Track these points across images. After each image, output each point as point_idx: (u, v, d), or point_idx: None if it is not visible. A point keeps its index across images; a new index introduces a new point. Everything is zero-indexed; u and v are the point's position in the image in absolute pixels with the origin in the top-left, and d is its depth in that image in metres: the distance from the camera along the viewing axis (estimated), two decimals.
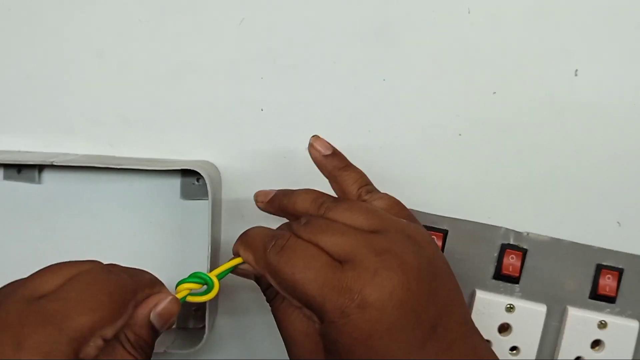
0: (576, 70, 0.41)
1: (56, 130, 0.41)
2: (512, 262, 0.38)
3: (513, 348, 0.38)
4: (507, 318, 0.38)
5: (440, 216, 0.39)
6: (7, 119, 0.41)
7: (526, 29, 0.41)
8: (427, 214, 0.39)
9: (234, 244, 0.33)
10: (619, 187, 0.41)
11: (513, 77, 0.41)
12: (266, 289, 0.33)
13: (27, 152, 0.41)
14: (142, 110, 0.41)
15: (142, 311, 0.29)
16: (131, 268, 0.30)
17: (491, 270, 0.38)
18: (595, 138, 0.41)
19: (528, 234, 0.38)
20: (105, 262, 0.30)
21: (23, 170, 0.40)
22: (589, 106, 0.41)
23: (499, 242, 0.39)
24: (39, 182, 0.41)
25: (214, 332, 0.42)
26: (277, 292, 0.31)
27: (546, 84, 0.41)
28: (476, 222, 0.39)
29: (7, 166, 0.40)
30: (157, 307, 0.29)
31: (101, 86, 0.41)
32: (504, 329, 0.38)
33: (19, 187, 0.41)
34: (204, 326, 0.39)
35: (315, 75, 0.41)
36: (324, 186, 0.41)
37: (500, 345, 0.38)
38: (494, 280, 0.38)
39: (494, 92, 0.41)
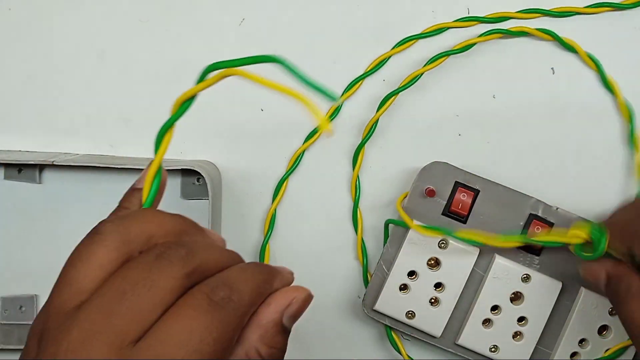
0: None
1: (56, 130, 0.41)
2: (538, 234, 0.38)
3: (521, 319, 0.38)
4: (521, 287, 0.38)
5: (475, 175, 0.38)
6: (7, 119, 0.41)
7: (522, 26, 0.41)
8: (463, 171, 0.38)
9: (602, 233, 0.32)
10: (619, 187, 0.41)
11: (513, 77, 0.41)
12: (615, 286, 0.32)
13: (28, 151, 0.41)
14: (143, 110, 0.41)
15: (271, 316, 0.24)
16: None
17: None
18: (594, 138, 0.41)
19: (557, 209, 0.38)
20: None
21: (23, 169, 0.40)
22: (588, 106, 0.41)
23: (528, 211, 0.38)
24: (40, 181, 0.41)
25: None
26: (627, 288, 0.31)
27: (545, 84, 0.41)
28: (509, 188, 0.38)
29: (7, 166, 0.41)
30: (291, 308, 0.24)
31: (101, 86, 0.41)
32: (517, 297, 0.38)
33: (20, 187, 0.41)
34: None
35: (315, 75, 0.41)
36: (319, 186, 0.41)
37: (509, 313, 0.38)
38: (515, 249, 0.38)
39: (494, 96, 0.41)
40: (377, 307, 0.39)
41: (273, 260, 0.42)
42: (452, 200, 0.38)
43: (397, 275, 0.38)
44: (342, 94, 0.41)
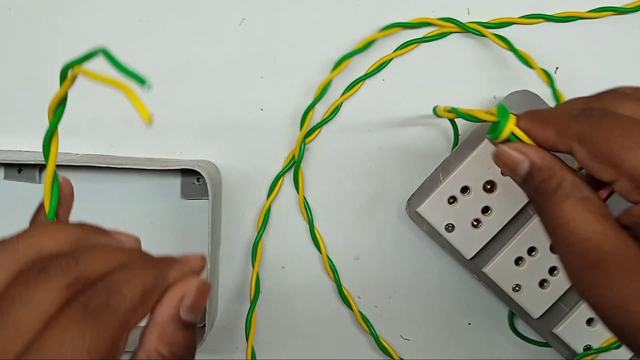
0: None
1: None
2: (601, 191, 0.37)
3: (553, 269, 0.38)
4: None
5: None
6: (7, 119, 0.41)
7: (526, 29, 0.41)
8: (549, 106, 0.38)
9: (507, 122, 0.27)
10: None
11: (512, 78, 0.41)
12: (542, 181, 0.26)
13: (28, 151, 0.41)
14: None
15: (166, 313, 0.23)
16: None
17: None
18: None
19: None
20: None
21: (23, 169, 0.40)
22: None
23: None
24: (40, 181, 0.41)
25: (214, 332, 0.42)
26: (558, 185, 0.26)
27: (541, 82, 0.41)
28: None
29: (7, 166, 0.41)
30: (186, 301, 0.24)
31: (101, 86, 0.41)
32: None
33: (20, 187, 0.41)
34: (204, 326, 0.39)
35: (315, 75, 0.41)
36: (324, 185, 0.41)
37: (544, 260, 0.38)
38: None
39: (494, 96, 0.41)
40: (421, 210, 0.38)
41: (270, 257, 0.42)
42: None
43: (451, 186, 0.38)
44: (342, 94, 0.41)
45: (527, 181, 0.27)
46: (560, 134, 0.26)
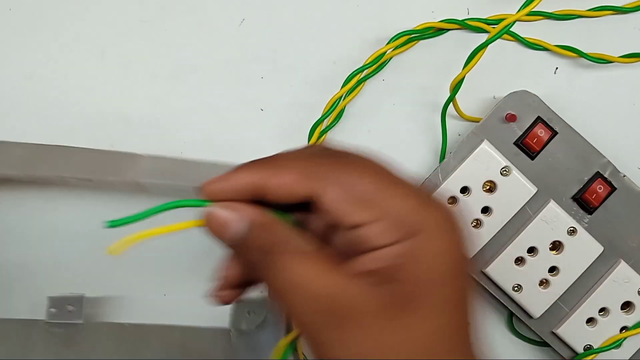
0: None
1: (56, 130, 0.41)
2: (599, 192, 0.38)
3: (553, 269, 0.38)
4: (564, 239, 0.38)
5: (559, 117, 0.38)
6: (7, 119, 0.41)
7: (524, 29, 0.41)
8: (549, 109, 0.38)
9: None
10: None
11: (510, 77, 0.41)
12: (265, 239, 0.25)
13: None
14: (143, 110, 0.41)
15: None
16: None
17: (574, 190, 0.38)
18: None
19: (625, 176, 0.39)
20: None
21: None
22: (574, 101, 0.41)
23: (596, 169, 0.38)
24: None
25: None
26: (282, 242, 0.24)
27: (541, 82, 0.41)
28: (586, 140, 0.38)
29: None
30: None
31: (101, 86, 0.41)
32: (556, 247, 0.38)
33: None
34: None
35: (315, 75, 0.41)
36: None
37: (544, 259, 0.38)
38: (570, 200, 0.38)
39: (494, 96, 0.41)
40: None
41: None
42: (529, 133, 0.38)
43: (450, 186, 0.38)
44: (344, 98, 0.41)
45: (245, 242, 0.25)
46: (303, 178, 0.24)
